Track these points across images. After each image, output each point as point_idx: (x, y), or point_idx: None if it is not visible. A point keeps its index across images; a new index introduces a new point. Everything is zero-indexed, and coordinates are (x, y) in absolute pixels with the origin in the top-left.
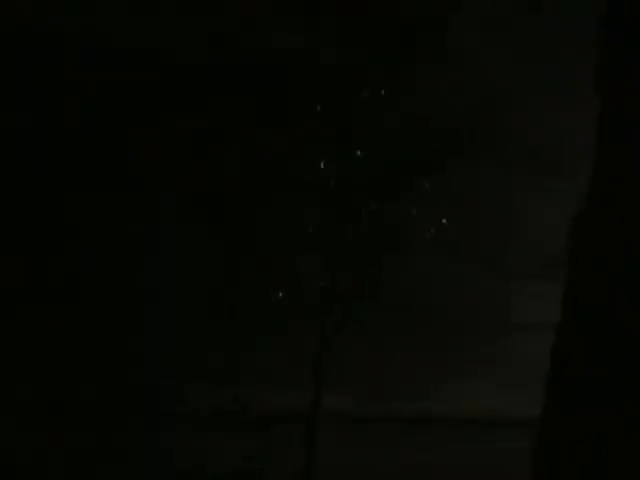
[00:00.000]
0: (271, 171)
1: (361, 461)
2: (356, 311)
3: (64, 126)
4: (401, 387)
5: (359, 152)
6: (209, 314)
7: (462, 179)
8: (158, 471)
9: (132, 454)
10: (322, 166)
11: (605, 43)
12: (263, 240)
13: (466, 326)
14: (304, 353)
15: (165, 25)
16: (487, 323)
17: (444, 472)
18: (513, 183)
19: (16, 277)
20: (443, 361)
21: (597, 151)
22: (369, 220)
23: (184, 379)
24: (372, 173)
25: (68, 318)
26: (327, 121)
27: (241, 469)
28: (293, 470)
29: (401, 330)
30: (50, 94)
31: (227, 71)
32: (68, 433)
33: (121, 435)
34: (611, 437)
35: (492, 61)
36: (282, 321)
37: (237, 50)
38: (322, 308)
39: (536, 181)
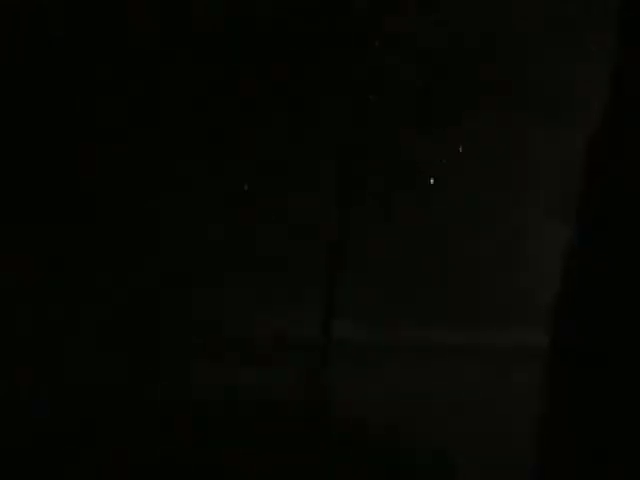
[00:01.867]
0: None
1: (374, 389)
2: (371, 238)
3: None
4: (412, 317)
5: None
6: (224, 240)
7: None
8: (172, 404)
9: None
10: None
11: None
12: (278, 163)
13: (481, 258)
14: (318, 282)
15: None
16: (502, 255)
17: (457, 402)
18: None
19: (36, 198)
20: (458, 292)
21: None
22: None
23: (199, 307)
24: (388, 116)
25: (86, 237)
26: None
27: (255, 397)
28: (308, 397)
29: (416, 262)
30: None
31: None
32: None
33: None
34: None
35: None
36: (298, 250)
37: None
38: (338, 236)
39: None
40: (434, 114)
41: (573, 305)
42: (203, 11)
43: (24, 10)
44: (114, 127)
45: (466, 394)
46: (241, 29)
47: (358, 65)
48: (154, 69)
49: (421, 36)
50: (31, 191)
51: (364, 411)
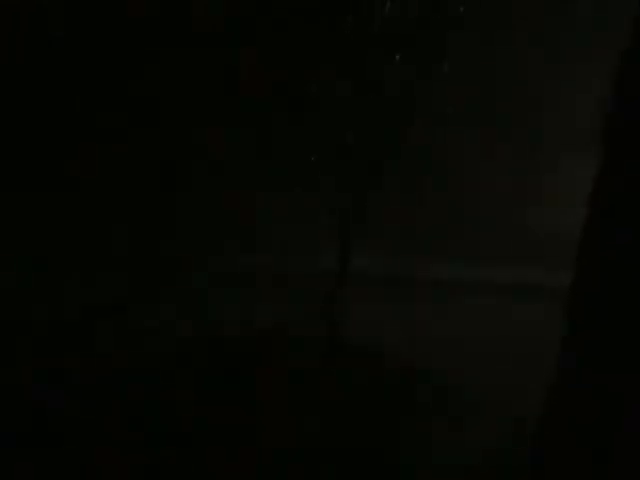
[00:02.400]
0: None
1: (387, 319)
2: (379, 172)
3: None
4: (424, 249)
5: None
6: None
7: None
8: (187, 339)
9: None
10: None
11: None
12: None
13: (495, 194)
14: (331, 214)
15: None
16: (514, 192)
17: (468, 338)
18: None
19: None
20: (470, 228)
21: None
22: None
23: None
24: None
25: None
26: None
27: (270, 331)
28: (320, 327)
29: (422, 192)
30: None
31: None
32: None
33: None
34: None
35: None
36: (312, 183)
37: None
38: (349, 170)
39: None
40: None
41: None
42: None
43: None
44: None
45: (475, 328)
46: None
47: None
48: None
49: None
50: None
51: (379, 343)
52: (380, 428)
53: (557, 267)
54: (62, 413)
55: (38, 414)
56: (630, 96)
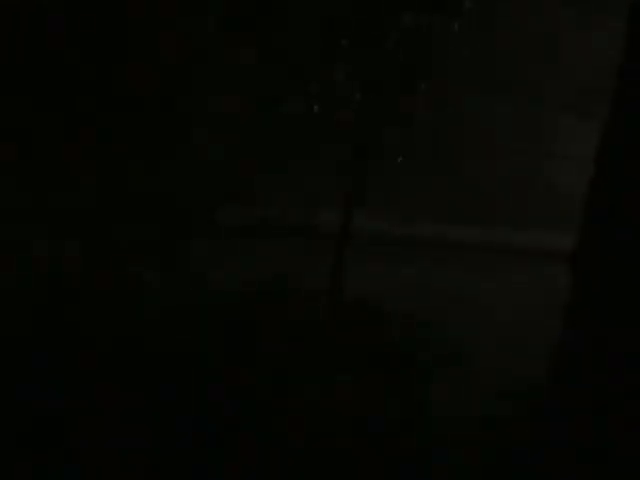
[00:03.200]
0: None
1: (389, 278)
2: (388, 135)
3: None
4: (429, 212)
5: None
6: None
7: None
8: (193, 284)
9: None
10: None
11: None
12: (297, 54)
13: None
14: (337, 174)
15: None
16: (519, 151)
17: (480, 294)
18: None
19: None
20: (473, 186)
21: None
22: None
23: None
24: None
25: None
26: None
27: (271, 285)
28: (319, 284)
29: (433, 157)
30: None
31: None
32: None
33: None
34: None
35: None
36: (316, 140)
37: None
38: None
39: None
40: None
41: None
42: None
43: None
44: None
45: (478, 289)
46: None
47: None
48: None
49: None
50: None
51: (381, 300)
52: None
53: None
54: None
55: None
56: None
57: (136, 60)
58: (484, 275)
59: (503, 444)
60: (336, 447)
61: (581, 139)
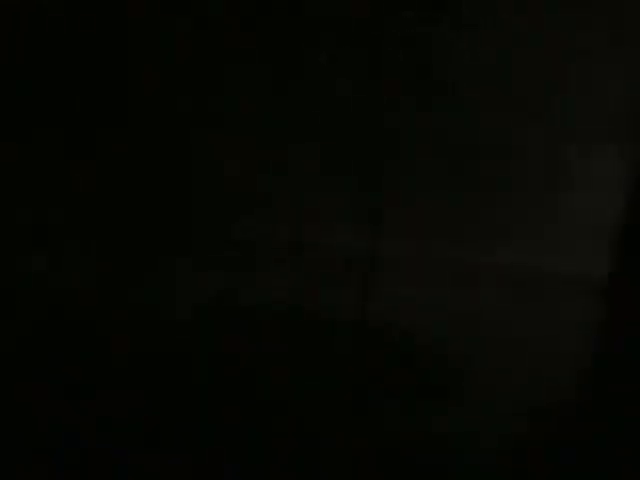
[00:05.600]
0: None
1: (416, 302)
2: (407, 151)
3: None
4: (451, 235)
5: None
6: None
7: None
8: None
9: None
10: None
11: None
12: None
13: (523, 179)
14: (362, 194)
15: None
16: (544, 177)
17: (492, 318)
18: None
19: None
20: (505, 213)
21: None
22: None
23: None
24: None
25: None
26: None
27: (295, 303)
28: (349, 305)
29: (451, 177)
30: None
31: None
32: None
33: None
34: None
35: None
36: (341, 158)
37: None
38: (375, 147)
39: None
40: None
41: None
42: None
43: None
44: None
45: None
46: None
47: None
48: None
49: None
50: None
51: (409, 320)
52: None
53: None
54: None
55: None
56: None
57: (154, 76)
58: (503, 296)
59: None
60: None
61: (604, 168)
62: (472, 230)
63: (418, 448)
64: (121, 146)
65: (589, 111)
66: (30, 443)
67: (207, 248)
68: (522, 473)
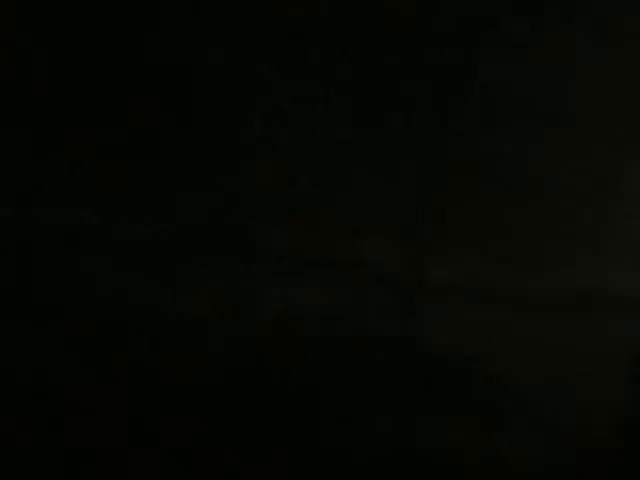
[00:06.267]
0: None
1: (460, 331)
2: (459, 178)
3: None
4: (503, 260)
5: None
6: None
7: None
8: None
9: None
10: None
11: None
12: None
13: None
14: (404, 215)
15: None
16: (596, 193)
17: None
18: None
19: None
20: (552, 233)
21: None
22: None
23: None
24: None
25: None
26: None
27: (341, 327)
28: (390, 333)
29: (506, 199)
30: None
31: None
32: None
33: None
34: None
35: None
36: (381, 176)
37: None
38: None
39: None
40: None
41: None
42: None
43: None
44: None
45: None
46: None
47: None
48: None
49: None
50: None
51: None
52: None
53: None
54: None
55: None
56: None
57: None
58: (558, 320)
59: None
60: None
61: None
62: (522, 251)
63: (462, 464)
64: (156, 147)
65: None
66: None
67: (239, 257)
68: None
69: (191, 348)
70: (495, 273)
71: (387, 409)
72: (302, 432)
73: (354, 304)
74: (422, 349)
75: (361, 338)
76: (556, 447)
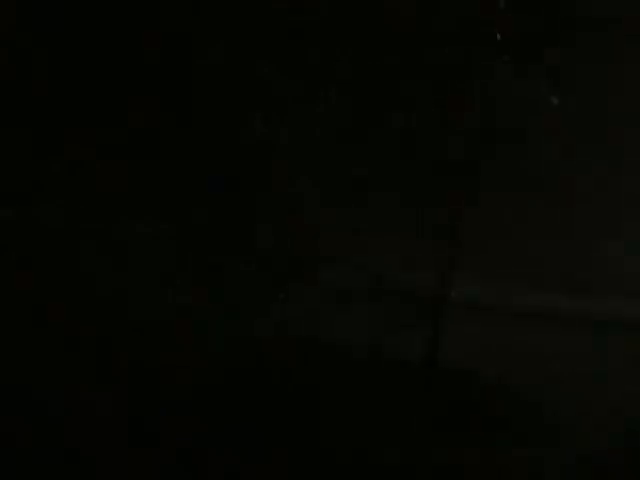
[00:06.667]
0: None
1: (483, 346)
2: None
3: None
4: (523, 282)
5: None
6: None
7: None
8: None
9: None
10: None
11: None
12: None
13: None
14: (437, 237)
15: None
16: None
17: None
18: None
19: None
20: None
21: None
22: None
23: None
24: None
25: None
26: None
27: (370, 342)
28: (418, 348)
29: (536, 216)
30: None
31: None
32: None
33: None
34: None
35: None
36: (416, 202)
37: None
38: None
39: None
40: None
41: None
42: None
43: None
44: None
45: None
46: None
47: None
48: None
49: None
50: None
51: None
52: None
53: None
54: None
55: None
56: None
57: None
58: (574, 341)
59: None
60: None
61: None
62: (553, 274)
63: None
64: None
65: None
66: None
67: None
68: None
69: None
70: (520, 294)
71: (404, 425)
72: (323, 440)
73: (390, 325)
74: (444, 366)
75: (378, 352)
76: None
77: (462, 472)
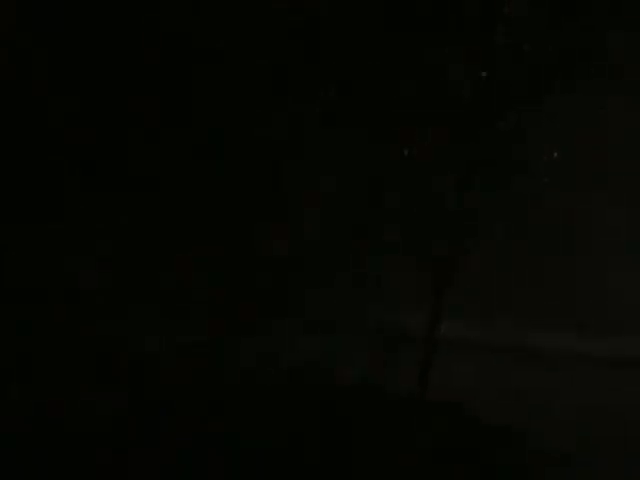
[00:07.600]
0: None
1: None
2: (484, 233)
3: None
4: (511, 319)
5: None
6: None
7: None
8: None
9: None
10: None
11: None
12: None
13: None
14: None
15: None
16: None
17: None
18: None
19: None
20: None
21: None
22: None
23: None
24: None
25: None
26: None
27: (366, 378)
28: (409, 386)
29: (535, 252)
30: None
31: None
32: None
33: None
34: None
35: None
36: (409, 247)
37: None
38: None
39: None
40: None
41: None
42: None
43: None
44: None
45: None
46: None
47: None
48: None
49: None
50: None
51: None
52: None
53: None
54: None
55: None
56: None
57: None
58: (561, 378)
59: None
60: None
61: None
62: (539, 310)
63: None
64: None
65: None
66: None
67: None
68: None
69: None
70: (508, 331)
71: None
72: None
73: (380, 361)
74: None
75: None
76: None
77: None
